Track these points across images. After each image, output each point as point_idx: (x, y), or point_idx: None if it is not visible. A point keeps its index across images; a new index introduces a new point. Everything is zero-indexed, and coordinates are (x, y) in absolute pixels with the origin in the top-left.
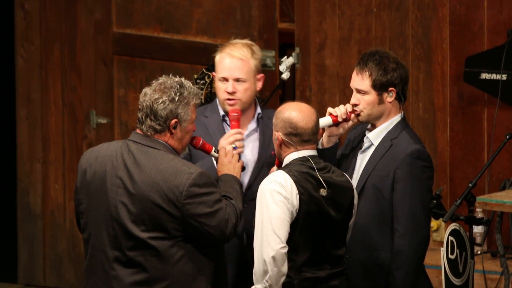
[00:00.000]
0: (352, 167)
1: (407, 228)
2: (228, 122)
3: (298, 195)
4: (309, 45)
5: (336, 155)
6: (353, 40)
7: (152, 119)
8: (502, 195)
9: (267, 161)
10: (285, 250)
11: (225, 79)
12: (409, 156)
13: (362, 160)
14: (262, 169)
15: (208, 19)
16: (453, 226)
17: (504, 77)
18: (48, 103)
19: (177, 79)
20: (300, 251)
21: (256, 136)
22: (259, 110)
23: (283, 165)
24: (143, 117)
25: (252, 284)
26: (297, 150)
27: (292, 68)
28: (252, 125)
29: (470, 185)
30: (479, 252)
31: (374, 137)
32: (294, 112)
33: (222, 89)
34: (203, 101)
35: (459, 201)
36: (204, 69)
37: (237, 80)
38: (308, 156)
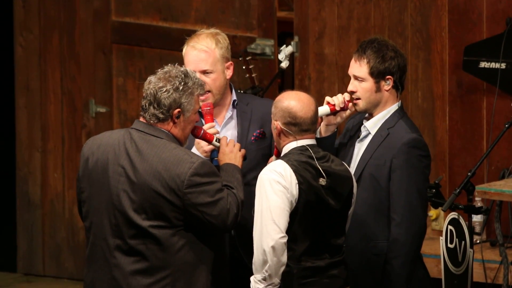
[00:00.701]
0: (349, 156)
1: (403, 217)
2: (201, 115)
3: (297, 185)
4: (308, 33)
5: (335, 144)
6: (352, 29)
7: (156, 107)
8: (501, 184)
9: (248, 147)
10: (285, 239)
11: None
12: (405, 145)
13: (359, 149)
14: (244, 155)
15: (207, 7)
16: (452, 215)
17: (503, 65)
18: (47, 92)
19: (182, 68)
20: (300, 240)
21: (233, 123)
22: (234, 97)
23: (282, 155)
24: (147, 104)
25: (243, 270)
26: (296, 139)
27: (291, 57)
28: (228, 113)
29: (469, 174)
30: (478, 241)
31: (371, 126)
32: (293, 101)
33: None
34: None
35: (458, 190)
36: None
37: (204, 72)
38: (307, 145)
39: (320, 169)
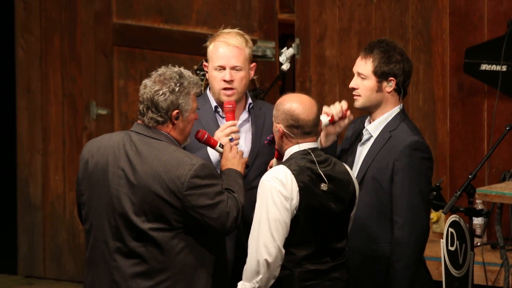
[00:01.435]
0: (351, 160)
1: (406, 219)
2: (220, 113)
3: (298, 192)
4: (309, 36)
5: (336, 152)
6: (353, 31)
7: (154, 111)
8: (502, 186)
9: (261, 151)
10: (281, 254)
11: (222, 68)
12: (408, 148)
13: (361, 152)
14: (256, 159)
15: (208, 9)
16: (453, 217)
17: (504, 68)
18: (48, 94)
19: (176, 69)
20: (301, 246)
21: (248, 126)
22: (250, 100)
23: (284, 159)
24: (144, 109)
25: None
26: (298, 143)
27: (292, 59)
28: (244, 115)
29: (470, 176)
30: (479, 244)
31: (373, 129)
32: (295, 104)
33: (218, 78)
34: (202, 92)
35: (459, 192)
36: (204, 60)
37: (234, 68)
38: (309, 148)
39: (322, 174)
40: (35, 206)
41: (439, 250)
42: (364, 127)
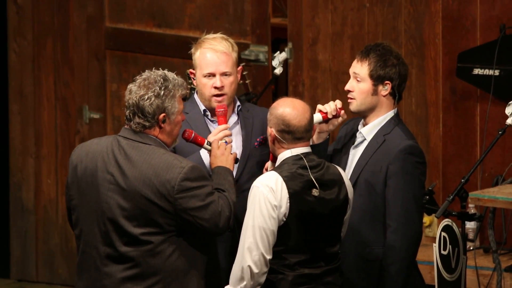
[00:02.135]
0: (344, 162)
1: (399, 223)
2: (209, 116)
3: (288, 199)
4: (302, 40)
5: (328, 151)
6: (345, 35)
7: (140, 116)
8: (494, 190)
9: (252, 152)
10: (265, 262)
11: (212, 74)
12: (402, 152)
13: (354, 155)
14: (248, 161)
15: (201, 14)
16: (445, 221)
17: (497, 72)
18: (41, 98)
19: (160, 72)
20: (293, 251)
21: (238, 128)
22: (238, 102)
23: (276, 164)
24: (131, 114)
25: None
26: (290, 148)
27: (284, 63)
28: (233, 118)
29: (462, 180)
30: (471, 248)
31: (367, 132)
32: (288, 109)
33: (208, 85)
34: (188, 95)
35: (451, 196)
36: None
37: (224, 74)
38: (302, 153)
39: (314, 180)
40: (27, 210)
41: (431, 254)
42: (357, 130)
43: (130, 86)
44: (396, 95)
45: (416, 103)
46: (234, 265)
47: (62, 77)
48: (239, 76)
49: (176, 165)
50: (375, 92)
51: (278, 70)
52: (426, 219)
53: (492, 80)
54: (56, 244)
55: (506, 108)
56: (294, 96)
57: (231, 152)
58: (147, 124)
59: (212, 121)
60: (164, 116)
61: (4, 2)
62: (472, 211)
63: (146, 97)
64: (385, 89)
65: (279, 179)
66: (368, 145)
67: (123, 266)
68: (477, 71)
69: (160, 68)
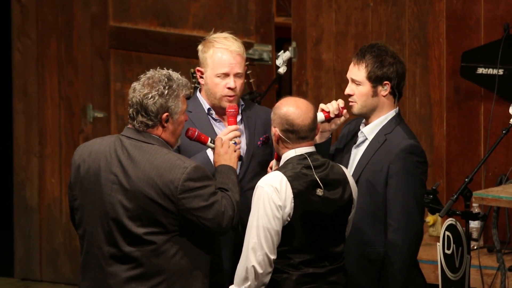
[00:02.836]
0: (345, 162)
1: (400, 223)
2: (213, 115)
3: (292, 199)
4: (306, 39)
5: (330, 150)
6: (349, 35)
7: (143, 114)
8: (498, 190)
9: (256, 152)
10: (270, 262)
11: (226, 75)
12: (403, 151)
13: (355, 155)
14: (252, 160)
15: (205, 13)
16: (449, 221)
17: (501, 71)
18: (45, 97)
19: (164, 71)
20: (298, 251)
21: (241, 128)
22: (241, 102)
23: (280, 164)
24: (134, 113)
25: None
26: (294, 148)
27: (288, 63)
28: (238, 117)
29: (466, 180)
30: (475, 247)
31: (369, 131)
32: (292, 108)
33: (221, 85)
34: (191, 94)
35: (455, 196)
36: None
37: (237, 75)
38: (306, 153)
39: (318, 180)
40: (31, 209)
41: (435, 253)
42: (359, 129)
43: (134, 84)
44: (396, 94)
45: (420, 102)
46: (238, 265)
47: (66, 76)
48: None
49: (179, 165)
50: (375, 94)
51: (282, 69)
52: (430, 219)
53: (496, 79)
54: (60, 243)
55: (510, 107)
56: (298, 95)
57: (236, 150)
58: (150, 123)
59: (215, 120)
60: (167, 115)
61: (8, 1)
62: (476, 210)
63: (150, 96)
64: (384, 90)
65: (284, 179)
66: (369, 144)
67: (127, 266)
68: (481, 70)
69: (164, 68)
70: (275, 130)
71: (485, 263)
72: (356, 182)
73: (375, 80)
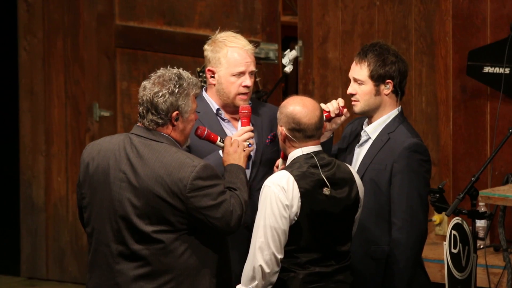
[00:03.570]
0: (349, 161)
1: (404, 221)
2: (222, 115)
3: (299, 198)
4: (312, 38)
5: (332, 150)
6: (356, 34)
7: (154, 113)
8: (505, 189)
9: (264, 150)
10: (277, 262)
11: (242, 73)
12: (406, 150)
13: (359, 154)
14: (262, 158)
15: (211, 12)
16: (456, 220)
17: (507, 70)
18: (51, 96)
19: (175, 70)
20: (305, 250)
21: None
22: (249, 101)
23: (287, 163)
24: (144, 111)
25: None
26: (300, 147)
27: (295, 62)
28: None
29: (473, 179)
30: (482, 246)
31: (372, 130)
32: (298, 107)
33: (237, 83)
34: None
35: (462, 195)
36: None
37: (251, 73)
38: (312, 152)
39: (325, 179)
40: (38, 208)
41: (442, 252)
42: (362, 128)
43: (145, 83)
44: (398, 92)
45: (427, 101)
46: (245, 264)
47: (72, 75)
48: None
49: (188, 164)
50: (377, 92)
51: (288, 68)
52: (436, 217)
53: (502, 78)
54: (66, 241)
55: None
56: (304, 94)
57: (251, 152)
58: (160, 121)
59: (224, 119)
60: (177, 114)
61: (14, 0)
62: (483, 209)
63: (160, 94)
64: (387, 88)
65: (290, 178)
66: (372, 143)
67: (136, 264)
68: (487, 69)
69: (175, 67)
70: (282, 129)
71: (491, 262)
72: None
73: (377, 78)
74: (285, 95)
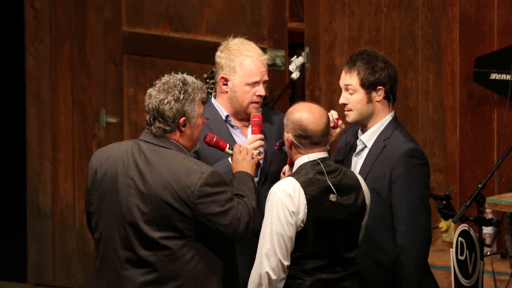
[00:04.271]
0: None
1: (408, 227)
2: (231, 122)
3: (306, 205)
4: (319, 44)
5: None
6: (362, 40)
7: (161, 120)
8: (511, 196)
9: (273, 157)
10: (283, 268)
11: (257, 83)
12: (404, 155)
13: (356, 163)
14: (270, 165)
15: (218, 18)
16: (462, 227)
17: None
18: (58, 102)
19: (179, 76)
20: (311, 257)
21: None
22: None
23: (293, 169)
24: (151, 119)
25: None
26: (307, 153)
27: (301, 68)
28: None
29: (479, 185)
30: (488, 253)
31: (367, 138)
32: (305, 114)
33: (250, 92)
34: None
35: (468, 202)
36: (213, 69)
37: (265, 82)
38: (319, 159)
39: (331, 185)
40: (44, 214)
41: (448, 259)
42: (357, 137)
43: (150, 90)
44: (390, 98)
45: (433, 108)
46: (252, 271)
47: (79, 81)
48: None
49: (196, 170)
50: (369, 100)
51: (295, 75)
52: (443, 224)
53: (509, 85)
54: (73, 248)
55: None
56: (311, 100)
57: (261, 159)
58: (167, 128)
59: (233, 126)
60: (184, 120)
61: (21, 6)
62: (489, 216)
63: (166, 101)
64: (378, 95)
65: (297, 185)
66: (369, 151)
67: (143, 270)
68: (494, 76)
69: (179, 72)
70: (288, 136)
71: (498, 269)
72: None
73: (368, 86)
74: (292, 101)
